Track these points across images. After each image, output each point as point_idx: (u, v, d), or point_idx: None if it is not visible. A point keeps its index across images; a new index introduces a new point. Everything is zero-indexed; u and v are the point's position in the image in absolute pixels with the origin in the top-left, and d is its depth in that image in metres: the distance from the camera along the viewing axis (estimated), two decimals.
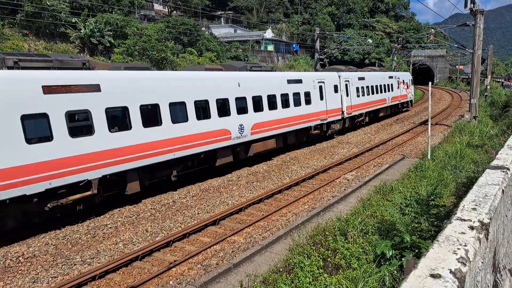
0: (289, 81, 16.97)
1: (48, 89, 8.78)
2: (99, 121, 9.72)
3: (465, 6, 21.98)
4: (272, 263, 7.32)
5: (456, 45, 30.40)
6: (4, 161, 8.00)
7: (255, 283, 6.24)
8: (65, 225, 9.50)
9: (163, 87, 11.42)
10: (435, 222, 8.13)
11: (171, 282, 7.00)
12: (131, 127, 10.45)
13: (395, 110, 30.62)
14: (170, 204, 11.11)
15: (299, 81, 17.61)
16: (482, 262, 2.14)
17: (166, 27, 34.57)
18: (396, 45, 50.13)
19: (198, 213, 10.32)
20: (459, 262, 1.82)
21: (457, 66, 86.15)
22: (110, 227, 9.44)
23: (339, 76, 21.00)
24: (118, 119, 10.31)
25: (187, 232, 8.82)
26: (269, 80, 15.83)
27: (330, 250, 6.85)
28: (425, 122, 25.86)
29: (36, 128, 8.55)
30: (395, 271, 6.18)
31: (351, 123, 22.76)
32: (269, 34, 54.60)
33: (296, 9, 69.06)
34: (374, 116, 26.46)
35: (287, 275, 6.24)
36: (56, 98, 8.92)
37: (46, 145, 8.71)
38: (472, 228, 2.20)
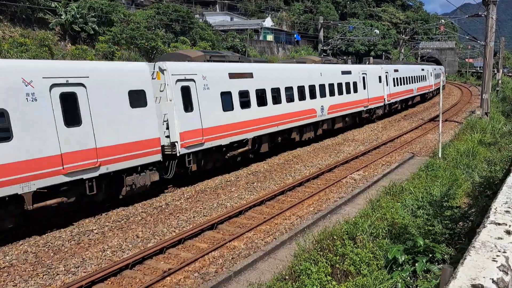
0: (434, 70, 42.40)
1: None
2: None
3: None
4: (276, 270, 7.26)
5: (468, 37, 30.57)
6: None
7: None
8: (46, 231, 9.31)
9: (407, 70, 32.29)
10: (449, 225, 8.12)
11: None
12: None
13: (439, 90, 48.95)
14: (163, 207, 11.00)
15: (436, 69, 43.43)
16: None
17: (157, 13, 34.23)
18: (403, 36, 50.27)
19: (193, 217, 10.23)
20: (500, 270, 1.77)
21: (466, 60, 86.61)
22: (97, 233, 9.30)
23: (431, 67, 42.14)
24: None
25: (182, 238, 8.72)
26: (427, 67, 39.84)
27: (338, 255, 6.80)
28: (434, 119, 25.95)
29: None
30: (408, 278, 6.15)
31: (433, 94, 43.15)
32: (268, 23, 54.20)
33: None
34: (437, 92, 43.57)
35: (293, 283, 6.19)
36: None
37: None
38: (508, 233, 2.15)
